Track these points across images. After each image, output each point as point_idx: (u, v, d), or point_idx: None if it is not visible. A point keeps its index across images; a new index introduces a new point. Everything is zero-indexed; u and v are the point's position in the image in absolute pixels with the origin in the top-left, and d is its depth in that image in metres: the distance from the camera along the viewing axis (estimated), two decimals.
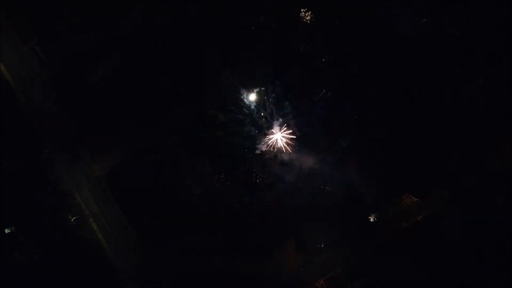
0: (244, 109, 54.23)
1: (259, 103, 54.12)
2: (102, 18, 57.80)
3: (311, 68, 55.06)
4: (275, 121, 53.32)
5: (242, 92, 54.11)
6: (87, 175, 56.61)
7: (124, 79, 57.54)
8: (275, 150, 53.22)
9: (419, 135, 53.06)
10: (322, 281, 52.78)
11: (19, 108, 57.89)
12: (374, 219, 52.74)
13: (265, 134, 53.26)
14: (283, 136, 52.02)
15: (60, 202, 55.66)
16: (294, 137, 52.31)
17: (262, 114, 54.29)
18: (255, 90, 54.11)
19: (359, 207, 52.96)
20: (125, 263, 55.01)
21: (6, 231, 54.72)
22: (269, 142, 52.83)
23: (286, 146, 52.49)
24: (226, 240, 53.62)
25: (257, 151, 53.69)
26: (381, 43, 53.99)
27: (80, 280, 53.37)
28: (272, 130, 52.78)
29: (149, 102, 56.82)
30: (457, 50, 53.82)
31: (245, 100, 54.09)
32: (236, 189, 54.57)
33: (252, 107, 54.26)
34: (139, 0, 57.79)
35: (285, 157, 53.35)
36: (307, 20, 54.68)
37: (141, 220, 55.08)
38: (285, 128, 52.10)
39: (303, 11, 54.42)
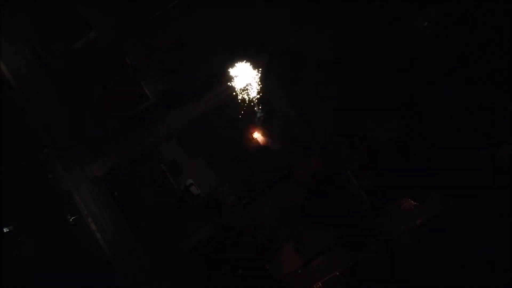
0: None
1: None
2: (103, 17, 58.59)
3: None
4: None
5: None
6: (86, 175, 56.65)
7: (124, 79, 57.97)
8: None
9: (419, 138, 53.35)
10: (320, 284, 52.78)
11: (19, 107, 58.26)
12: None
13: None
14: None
15: (59, 202, 55.96)
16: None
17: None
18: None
19: (358, 209, 53.17)
20: (123, 263, 55.15)
21: (5, 230, 54.94)
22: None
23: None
24: (226, 241, 53.97)
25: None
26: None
27: (78, 280, 53.50)
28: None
29: (149, 102, 57.40)
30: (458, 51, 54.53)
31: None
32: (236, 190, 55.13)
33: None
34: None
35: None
36: None
37: (140, 220, 55.26)
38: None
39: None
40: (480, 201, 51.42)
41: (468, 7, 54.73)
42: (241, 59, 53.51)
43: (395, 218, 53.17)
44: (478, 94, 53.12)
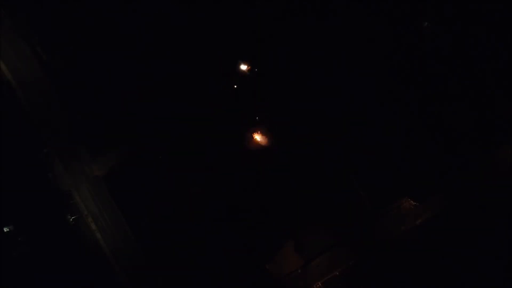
0: None
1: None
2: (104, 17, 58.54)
3: None
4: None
5: None
6: (86, 175, 56.67)
7: (124, 79, 57.97)
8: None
9: (417, 137, 53.30)
10: (320, 284, 52.72)
11: (19, 107, 58.24)
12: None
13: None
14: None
15: (59, 202, 55.91)
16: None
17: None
18: None
19: (358, 209, 53.07)
20: (124, 264, 55.11)
21: (5, 230, 54.92)
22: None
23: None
24: (226, 241, 53.93)
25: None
26: None
27: (78, 280, 53.49)
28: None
29: (149, 102, 57.32)
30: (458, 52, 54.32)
31: None
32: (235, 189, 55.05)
33: None
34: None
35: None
36: None
37: (140, 221, 55.21)
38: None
39: None
40: (480, 201, 51.56)
41: (468, 7, 55.01)
42: None
43: (395, 218, 53.22)
44: (478, 94, 53.26)
